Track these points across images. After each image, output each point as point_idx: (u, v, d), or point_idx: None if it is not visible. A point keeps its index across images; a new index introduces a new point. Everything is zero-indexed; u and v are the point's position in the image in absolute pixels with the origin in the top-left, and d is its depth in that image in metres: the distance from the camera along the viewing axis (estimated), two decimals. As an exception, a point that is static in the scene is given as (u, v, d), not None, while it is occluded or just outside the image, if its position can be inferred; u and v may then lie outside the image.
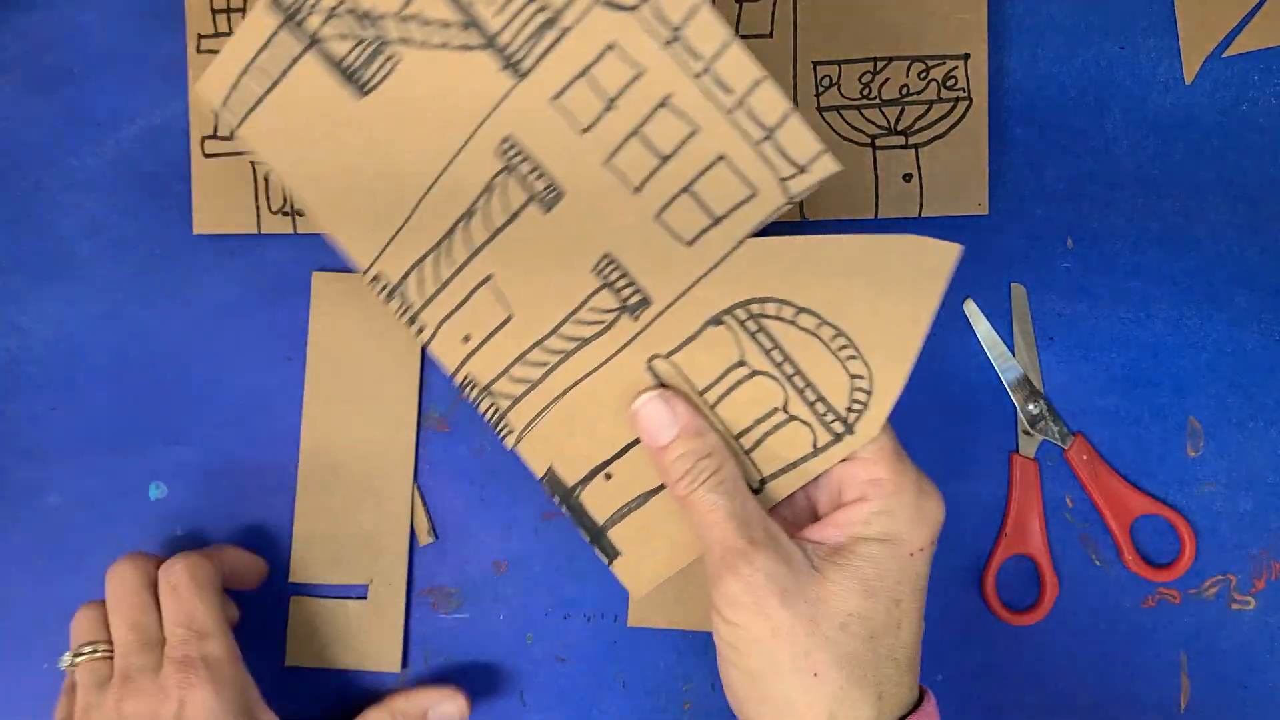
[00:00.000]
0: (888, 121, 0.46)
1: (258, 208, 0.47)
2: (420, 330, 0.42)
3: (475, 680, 0.48)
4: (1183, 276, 0.48)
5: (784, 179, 0.36)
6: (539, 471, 0.42)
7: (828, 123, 0.47)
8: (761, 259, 0.37)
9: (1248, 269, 0.48)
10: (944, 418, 0.48)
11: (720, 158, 0.36)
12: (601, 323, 0.40)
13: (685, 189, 0.37)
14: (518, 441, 0.42)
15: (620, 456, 0.41)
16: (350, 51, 0.38)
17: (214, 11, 0.47)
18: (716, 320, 0.38)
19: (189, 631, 0.41)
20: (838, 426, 0.39)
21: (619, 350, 0.40)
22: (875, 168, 0.47)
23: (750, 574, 0.36)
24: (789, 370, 0.39)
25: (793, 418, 0.39)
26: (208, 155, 0.47)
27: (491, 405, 0.42)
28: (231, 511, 0.48)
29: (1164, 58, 0.48)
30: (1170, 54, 0.48)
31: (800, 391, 0.39)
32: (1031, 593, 0.48)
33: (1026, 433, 0.48)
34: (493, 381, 0.42)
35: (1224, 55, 0.48)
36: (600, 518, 0.42)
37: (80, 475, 0.48)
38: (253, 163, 0.47)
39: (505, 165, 0.38)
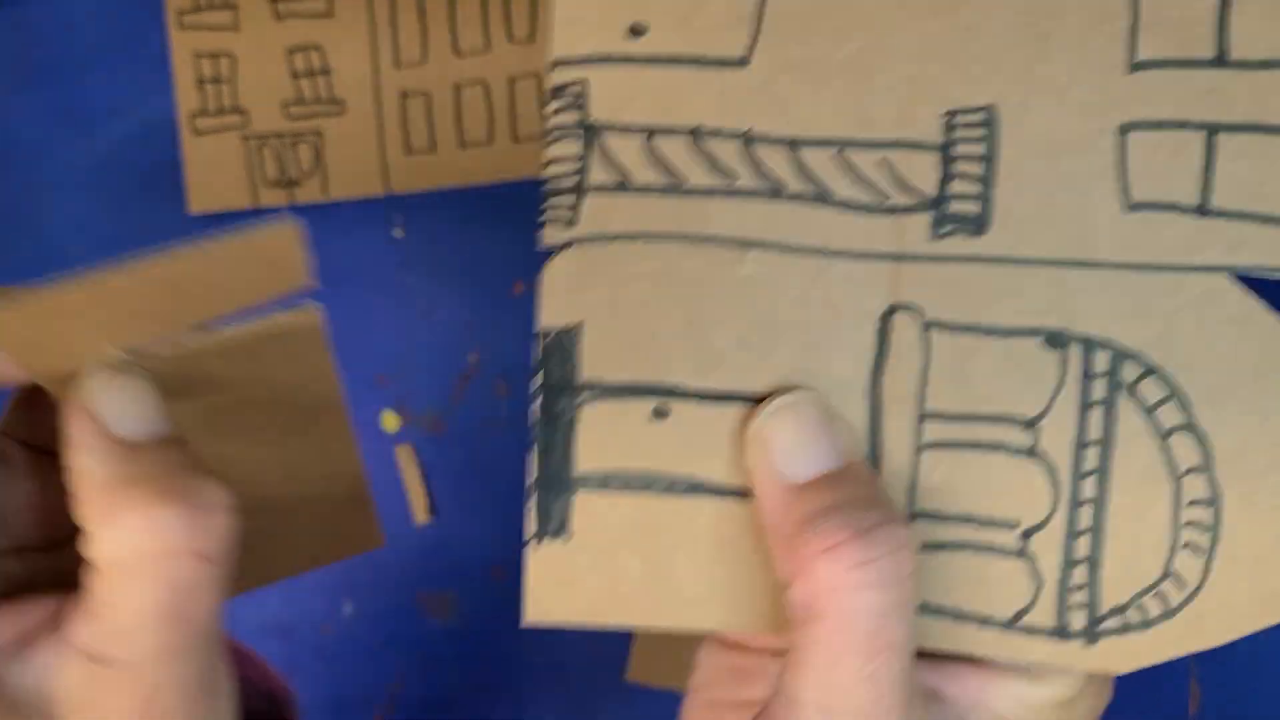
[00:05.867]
0: None
1: (253, 181, 0.47)
2: None
3: (470, 692, 0.48)
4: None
5: None
6: (551, 318, 0.25)
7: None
8: (1208, 315, 0.23)
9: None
10: (948, 418, 0.47)
11: None
12: (877, 199, 0.24)
13: (1212, 126, 0.23)
14: (564, 245, 0.25)
15: (713, 400, 0.25)
16: None
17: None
18: (1058, 339, 0.24)
19: None
20: (1075, 620, 0.24)
21: (858, 253, 0.24)
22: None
23: None
24: (1087, 492, 0.24)
25: (1022, 554, 0.24)
26: (199, 133, 0.47)
27: (576, 162, 0.25)
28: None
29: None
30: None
31: (1072, 532, 0.24)
32: (1037, 596, 0.48)
33: (1031, 433, 0.47)
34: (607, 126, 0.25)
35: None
36: (584, 463, 0.25)
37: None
38: (245, 136, 0.47)
39: None
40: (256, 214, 0.47)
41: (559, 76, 0.25)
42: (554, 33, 0.24)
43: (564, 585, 0.25)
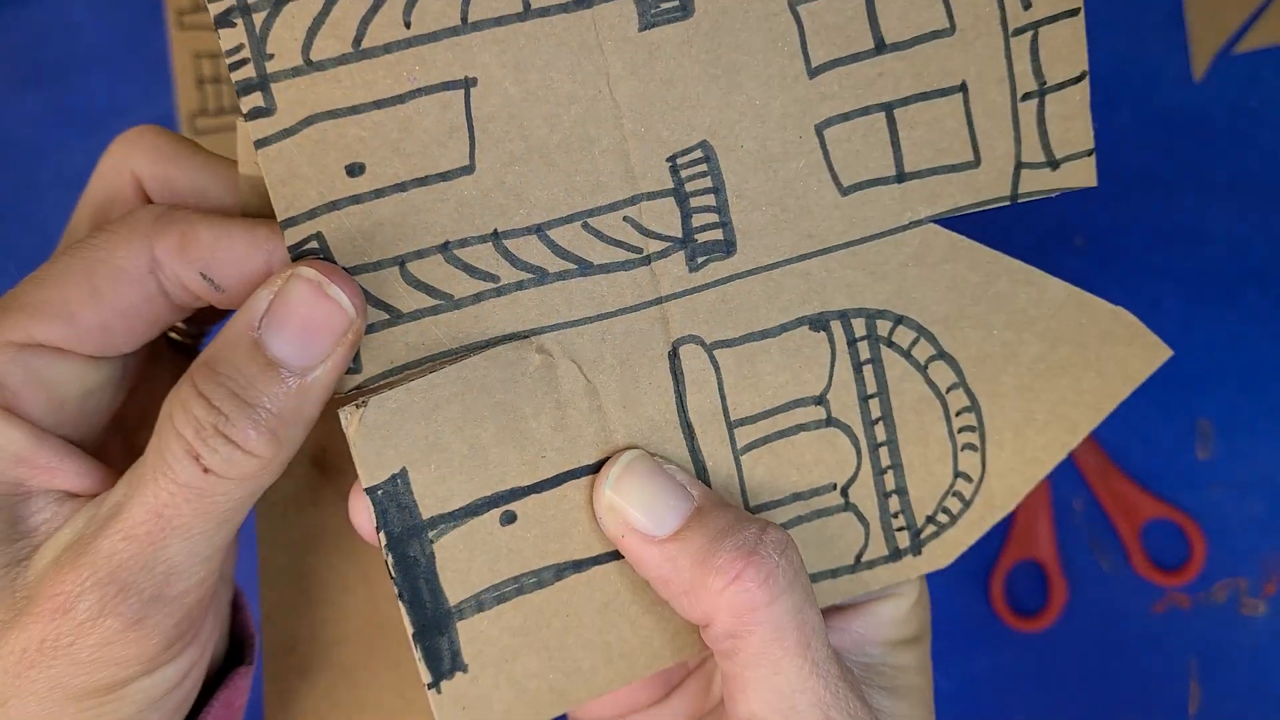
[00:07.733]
0: None
1: None
2: None
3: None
4: (1193, 275, 0.47)
5: (1021, 165, 0.27)
6: (373, 476, 0.24)
7: None
8: (928, 259, 0.27)
9: (1259, 267, 0.47)
10: (950, 419, 0.47)
11: (960, 87, 0.26)
12: (632, 255, 0.25)
13: (888, 105, 0.26)
14: (354, 396, 0.24)
15: (549, 486, 0.25)
16: None
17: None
18: (819, 322, 0.26)
19: None
20: (902, 539, 0.28)
21: (631, 307, 0.25)
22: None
23: None
24: (880, 436, 0.27)
25: (848, 506, 0.27)
26: (199, 133, 0.47)
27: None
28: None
29: (1173, 54, 0.47)
30: (1179, 50, 0.47)
31: (879, 472, 0.27)
32: (1039, 597, 0.48)
33: (1034, 434, 0.47)
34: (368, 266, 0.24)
35: (1234, 51, 0.47)
36: (454, 595, 0.25)
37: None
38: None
39: None
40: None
41: (292, 236, 0.23)
42: (273, 196, 0.23)
43: (476, 709, 0.25)
